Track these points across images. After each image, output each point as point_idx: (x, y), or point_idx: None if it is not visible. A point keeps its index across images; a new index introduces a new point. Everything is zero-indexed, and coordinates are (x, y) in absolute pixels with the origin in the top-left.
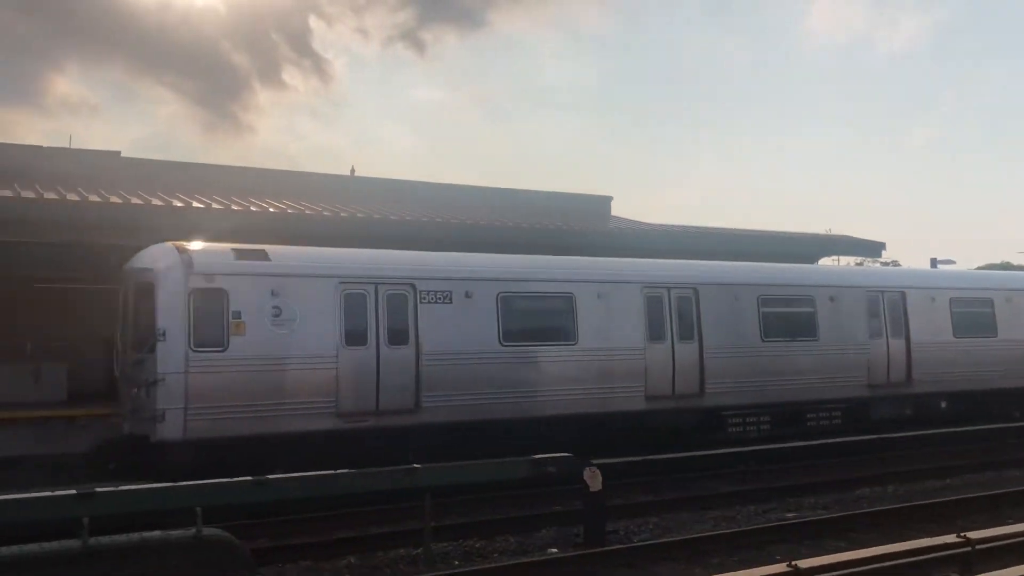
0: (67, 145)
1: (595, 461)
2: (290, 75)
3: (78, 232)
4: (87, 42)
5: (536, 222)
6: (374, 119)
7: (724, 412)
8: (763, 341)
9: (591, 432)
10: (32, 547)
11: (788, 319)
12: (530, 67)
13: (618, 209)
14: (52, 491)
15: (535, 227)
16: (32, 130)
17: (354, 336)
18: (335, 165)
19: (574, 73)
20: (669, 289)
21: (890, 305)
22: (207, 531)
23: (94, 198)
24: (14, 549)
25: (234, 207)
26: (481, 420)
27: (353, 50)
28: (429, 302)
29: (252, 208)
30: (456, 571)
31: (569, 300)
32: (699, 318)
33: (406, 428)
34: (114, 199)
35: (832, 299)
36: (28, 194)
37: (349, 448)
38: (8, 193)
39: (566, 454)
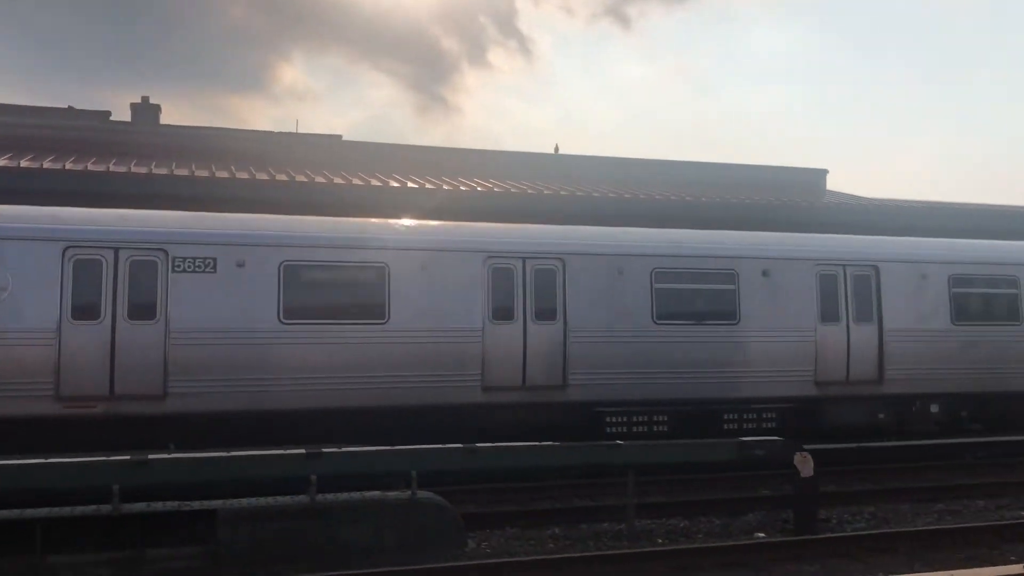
0: (294, 130)
1: (807, 447)
2: (496, 56)
3: (303, 211)
4: (311, 33)
5: (745, 197)
6: (578, 96)
7: (598, 408)
8: (656, 323)
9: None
10: (267, 500)
11: (696, 298)
12: (738, 37)
13: (835, 183)
14: (283, 450)
15: (743, 202)
16: (264, 117)
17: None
18: (539, 143)
19: (784, 42)
20: (523, 260)
21: (855, 282)
22: (421, 494)
23: (319, 179)
24: (252, 501)
25: (445, 187)
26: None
27: (558, 28)
28: (180, 271)
29: (461, 188)
30: (660, 548)
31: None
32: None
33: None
34: (337, 180)
35: (766, 273)
36: (262, 176)
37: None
38: (245, 175)
39: (775, 437)
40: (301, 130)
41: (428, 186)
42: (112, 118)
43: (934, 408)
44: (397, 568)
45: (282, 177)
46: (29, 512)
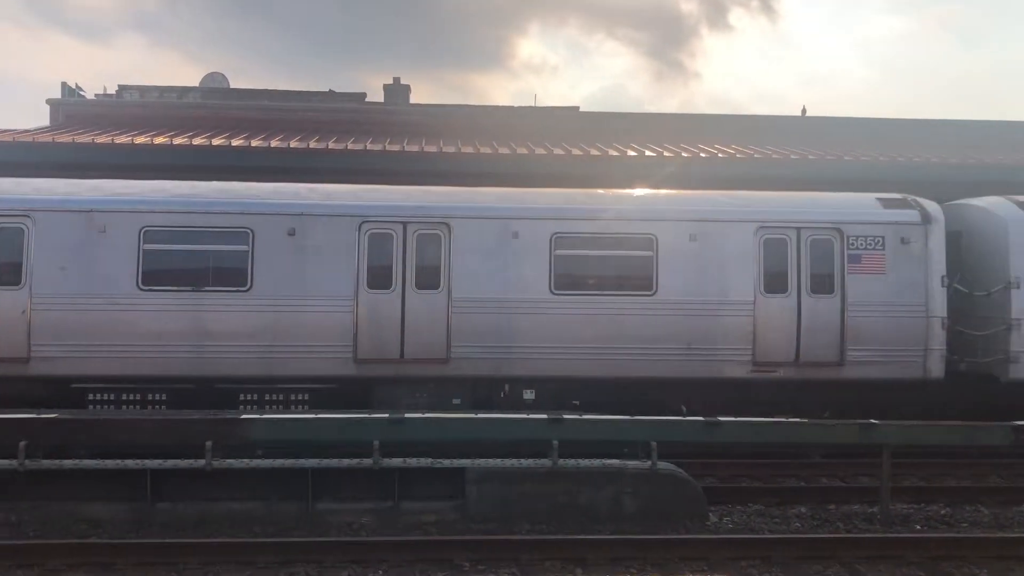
0: (532, 104)
1: None
2: (737, 17)
3: (541, 183)
4: (548, 5)
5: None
6: (825, 55)
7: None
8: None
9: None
10: (512, 462)
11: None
12: None
13: None
14: (528, 415)
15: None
16: (503, 91)
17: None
18: (782, 106)
19: None
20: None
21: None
22: (661, 465)
23: (558, 151)
24: (498, 462)
25: (684, 154)
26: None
27: None
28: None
29: (701, 155)
30: (917, 535)
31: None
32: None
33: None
34: (575, 151)
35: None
36: (504, 150)
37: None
38: (488, 150)
39: None
40: (539, 103)
41: (666, 154)
42: (367, 99)
43: None
44: (639, 536)
45: (522, 150)
46: (302, 461)
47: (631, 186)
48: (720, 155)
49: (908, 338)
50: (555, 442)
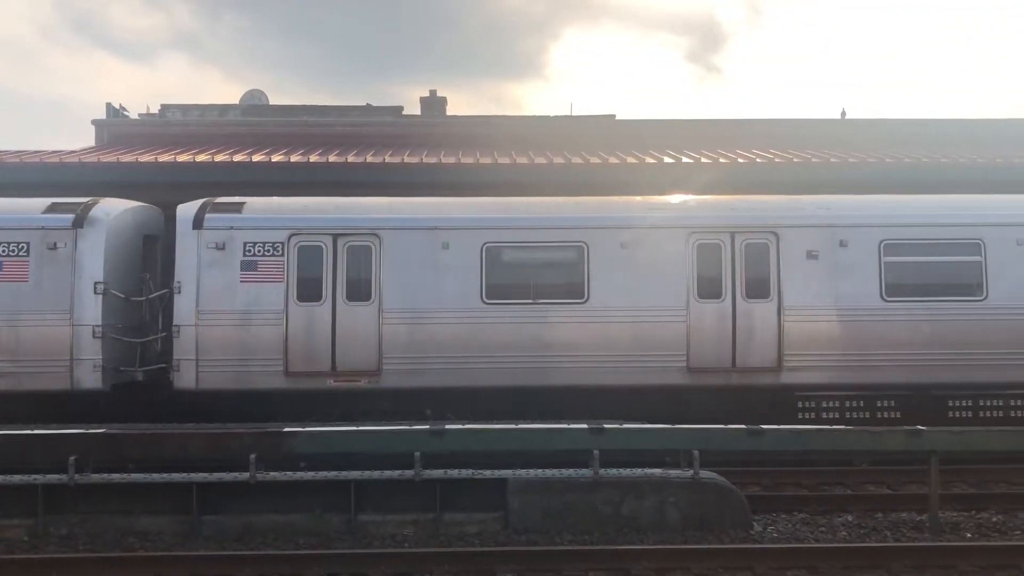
0: (568, 112)
1: None
2: (774, 17)
3: (575, 192)
4: (583, 12)
5: None
6: (866, 54)
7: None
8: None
9: None
10: (554, 472)
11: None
12: None
13: None
14: (568, 424)
15: None
16: (539, 101)
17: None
18: (822, 109)
19: None
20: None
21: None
22: (704, 474)
23: (594, 160)
24: (540, 472)
25: (721, 160)
26: None
27: None
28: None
29: (739, 160)
30: (967, 544)
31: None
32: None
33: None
34: (612, 160)
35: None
36: (540, 160)
37: None
38: (524, 160)
39: None
40: (575, 112)
41: (703, 160)
42: (404, 112)
43: None
44: (683, 546)
45: (559, 160)
46: (345, 473)
47: (668, 192)
48: (758, 160)
49: (53, 348)
50: (596, 452)
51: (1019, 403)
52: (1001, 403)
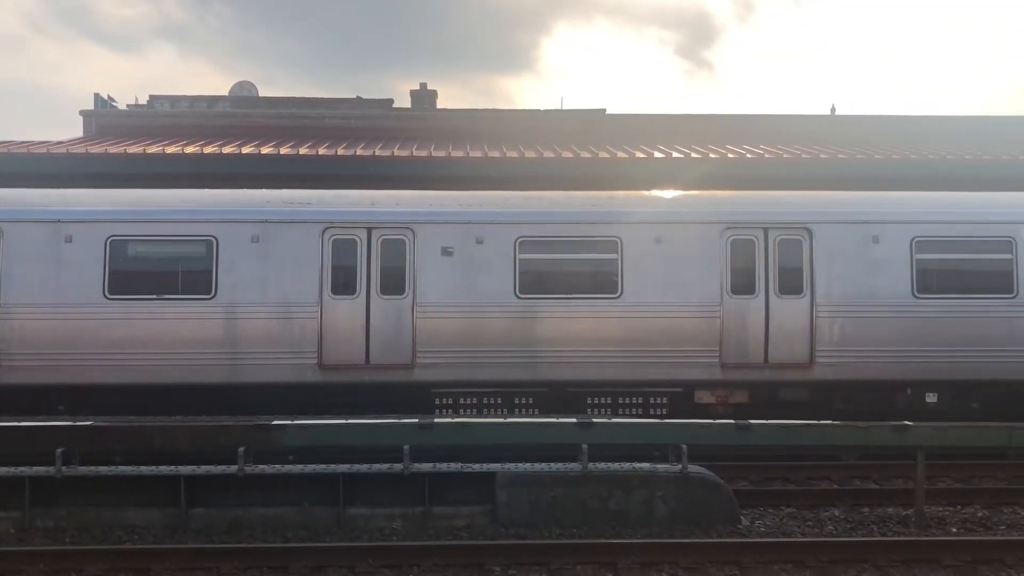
0: (559, 107)
1: None
2: (766, 12)
3: (566, 186)
4: (574, 6)
5: None
6: (859, 49)
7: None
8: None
9: None
10: (542, 466)
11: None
12: None
13: None
14: (557, 418)
15: None
16: (530, 95)
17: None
18: (813, 105)
19: None
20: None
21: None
22: (692, 468)
23: (585, 154)
24: (528, 466)
25: (711, 155)
26: None
27: None
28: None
29: (729, 155)
30: (952, 538)
31: None
32: None
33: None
34: (602, 154)
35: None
36: (530, 154)
37: None
38: (514, 155)
39: None
40: (565, 106)
41: (694, 155)
42: (394, 105)
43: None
44: (670, 540)
45: (549, 154)
46: (333, 467)
47: (654, 188)
48: (748, 155)
49: None
50: (584, 446)
51: None
52: None
